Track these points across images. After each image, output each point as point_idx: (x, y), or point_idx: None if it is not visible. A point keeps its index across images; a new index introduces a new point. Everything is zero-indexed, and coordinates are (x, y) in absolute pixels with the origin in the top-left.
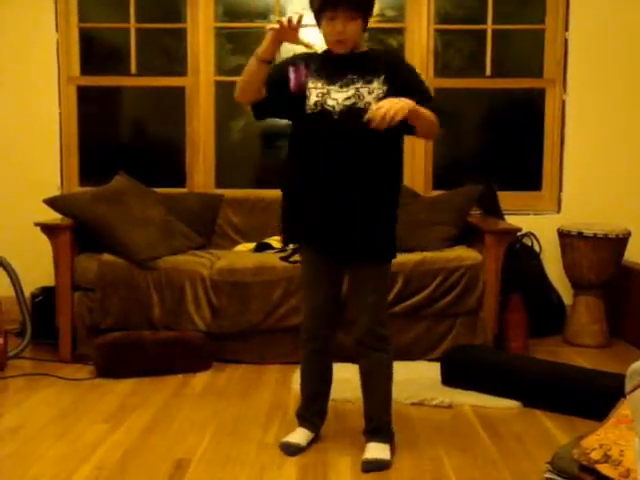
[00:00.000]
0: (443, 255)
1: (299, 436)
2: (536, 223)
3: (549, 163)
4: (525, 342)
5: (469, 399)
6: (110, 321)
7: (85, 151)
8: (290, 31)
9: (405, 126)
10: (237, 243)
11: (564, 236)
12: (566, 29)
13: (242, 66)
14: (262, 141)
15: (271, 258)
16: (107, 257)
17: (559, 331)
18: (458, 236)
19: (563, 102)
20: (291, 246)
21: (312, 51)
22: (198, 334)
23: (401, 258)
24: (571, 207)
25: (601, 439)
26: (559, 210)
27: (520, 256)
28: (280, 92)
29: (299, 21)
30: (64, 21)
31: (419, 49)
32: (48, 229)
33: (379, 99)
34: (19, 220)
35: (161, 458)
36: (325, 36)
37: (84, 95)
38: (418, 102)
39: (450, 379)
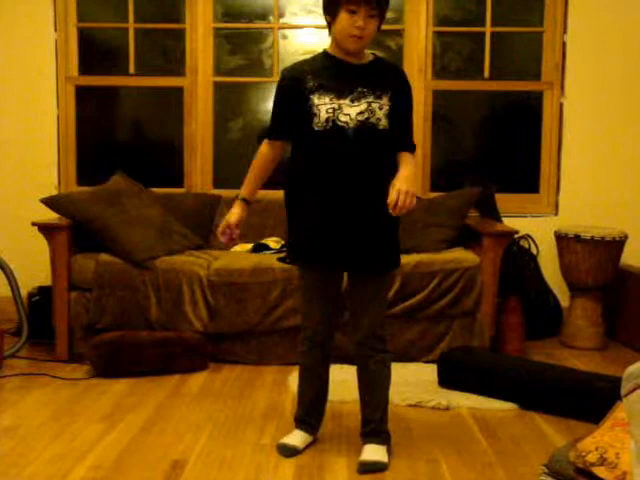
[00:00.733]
0: (440, 257)
1: (296, 438)
2: (533, 225)
3: (547, 166)
4: (522, 344)
5: (466, 401)
6: (107, 321)
7: (83, 151)
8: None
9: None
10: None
11: (561, 239)
12: (564, 32)
13: (241, 67)
14: (260, 142)
15: (269, 259)
16: (104, 257)
17: (556, 333)
18: (456, 238)
19: (561, 105)
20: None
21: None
22: (195, 334)
23: None
24: (568, 210)
25: (597, 442)
26: (556, 212)
27: (517, 258)
28: (291, 112)
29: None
30: (63, 21)
31: (418, 51)
32: (45, 229)
33: (386, 115)
34: (16, 219)
35: (157, 458)
36: (341, 31)
37: (82, 95)
38: (403, 149)
39: (447, 381)
